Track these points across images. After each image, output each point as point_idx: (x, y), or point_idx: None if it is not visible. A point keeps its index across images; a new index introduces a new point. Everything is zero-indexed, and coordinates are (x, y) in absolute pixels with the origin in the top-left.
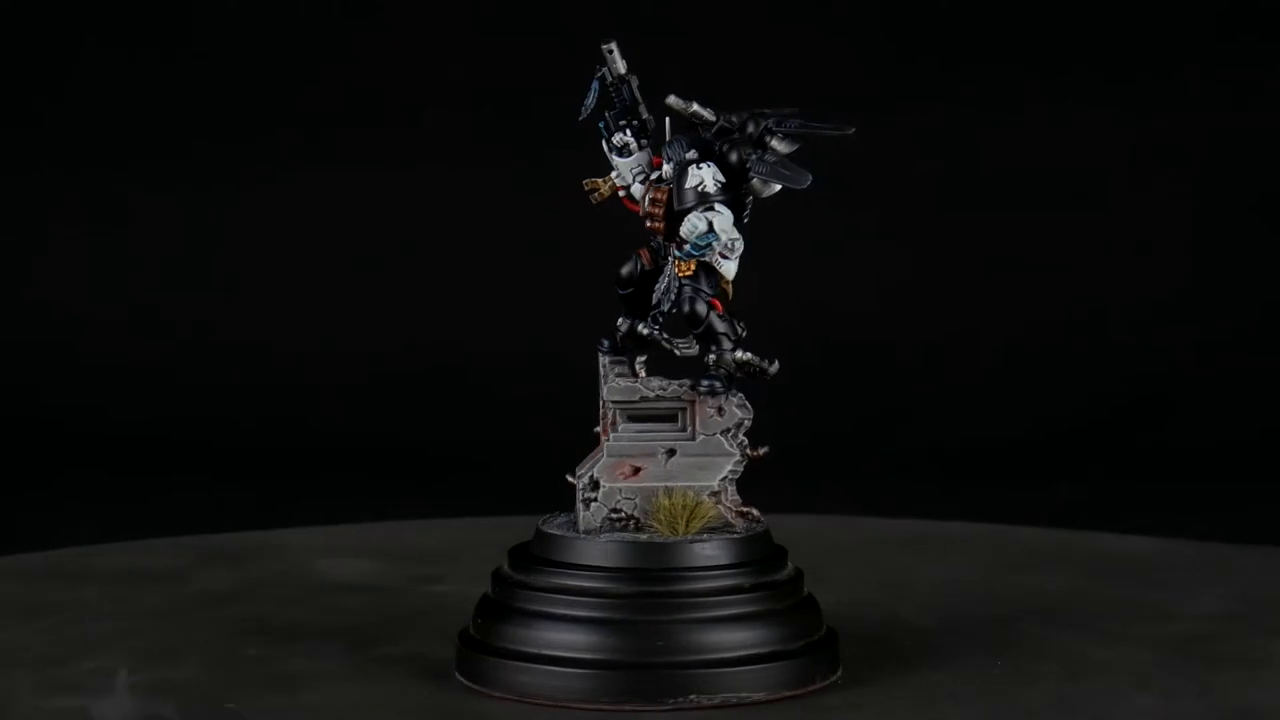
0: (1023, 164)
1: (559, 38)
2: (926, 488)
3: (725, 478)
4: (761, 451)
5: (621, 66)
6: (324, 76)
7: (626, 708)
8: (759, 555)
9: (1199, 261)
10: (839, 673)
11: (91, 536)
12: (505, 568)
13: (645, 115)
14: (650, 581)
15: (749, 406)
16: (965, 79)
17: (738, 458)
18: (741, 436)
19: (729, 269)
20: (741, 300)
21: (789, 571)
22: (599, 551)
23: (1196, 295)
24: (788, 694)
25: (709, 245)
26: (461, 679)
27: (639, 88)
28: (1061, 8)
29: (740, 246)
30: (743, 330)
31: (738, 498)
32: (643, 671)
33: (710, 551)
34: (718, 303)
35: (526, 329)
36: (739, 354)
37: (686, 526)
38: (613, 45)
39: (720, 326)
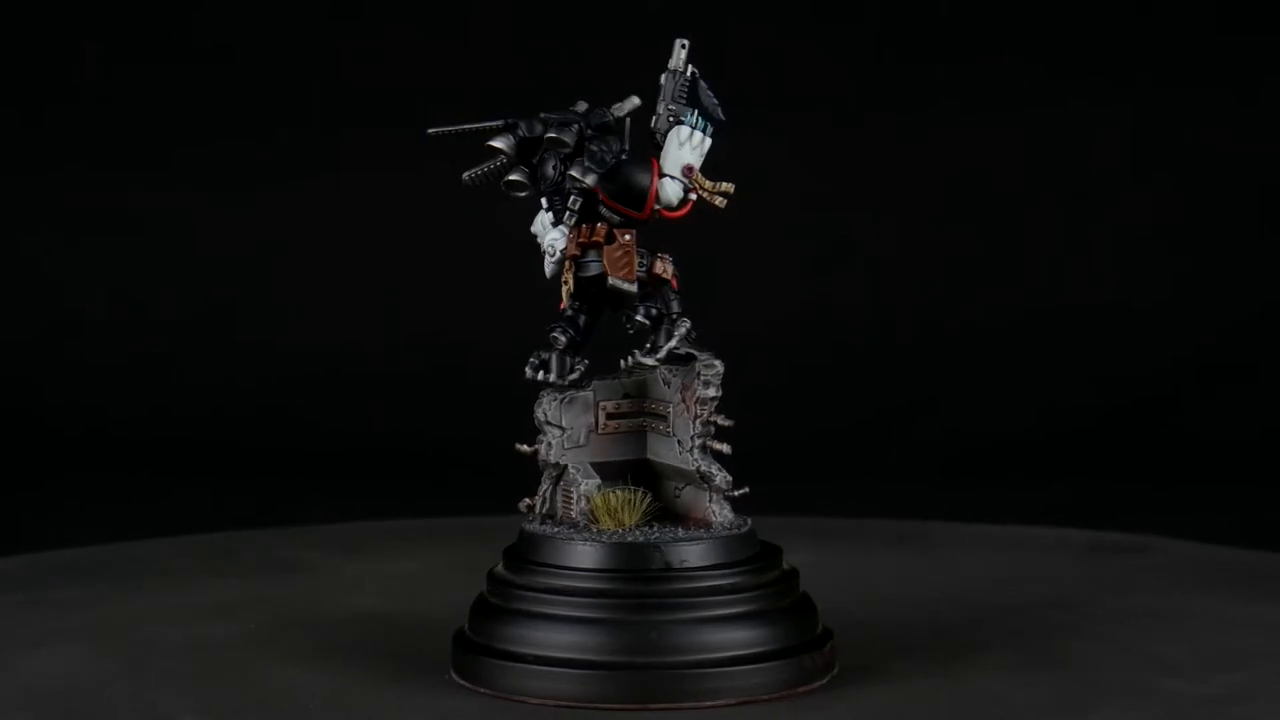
0: (1023, 164)
1: (559, 38)
2: (926, 488)
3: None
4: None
5: (675, 63)
6: (325, 76)
7: (621, 707)
8: (753, 554)
9: (1199, 261)
10: (834, 672)
11: (91, 537)
12: (500, 568)
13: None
14: (644, 581)
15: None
16: (965, 79)
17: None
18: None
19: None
20: (741, 300)
21: (784, 571)
22: (593, 552)
23: (1196, 295)
24: (782, 694)
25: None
26: (457, 679)
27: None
28: (1062, 8)
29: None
30: (561, 335)
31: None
32: (637, 672)
33: (703, 551)
34: (562, 303)
35: (526, 329)
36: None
37: None
38: (681, 42)
39: None
